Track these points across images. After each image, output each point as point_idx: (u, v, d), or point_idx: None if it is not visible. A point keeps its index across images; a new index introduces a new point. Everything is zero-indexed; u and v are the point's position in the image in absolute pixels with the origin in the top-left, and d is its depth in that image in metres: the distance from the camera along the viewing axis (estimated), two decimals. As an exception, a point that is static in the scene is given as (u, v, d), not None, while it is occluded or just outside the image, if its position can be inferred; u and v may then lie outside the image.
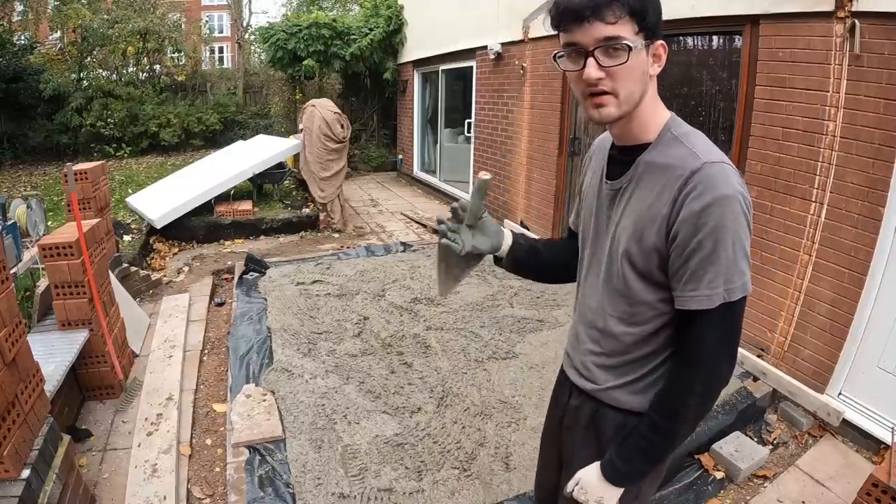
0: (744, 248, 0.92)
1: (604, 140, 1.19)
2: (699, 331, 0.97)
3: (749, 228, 0.93)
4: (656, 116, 1.02)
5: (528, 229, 5.59)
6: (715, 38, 3.51)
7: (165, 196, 6.22)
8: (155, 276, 4.68)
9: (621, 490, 1.10)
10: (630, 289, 1.04)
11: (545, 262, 1.30)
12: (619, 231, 1.05)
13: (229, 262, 5.16)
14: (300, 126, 6.96)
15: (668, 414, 1.02)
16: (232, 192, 6.65)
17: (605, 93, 0.94)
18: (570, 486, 1.16)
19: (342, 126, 6.37)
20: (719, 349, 0.97)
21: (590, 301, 1.15)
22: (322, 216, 6.45)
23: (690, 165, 0.93)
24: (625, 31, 0.90)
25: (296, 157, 7.20)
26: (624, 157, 1.06)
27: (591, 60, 0.92)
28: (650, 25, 0.92)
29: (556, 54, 0.98)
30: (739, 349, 3.12)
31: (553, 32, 0.98)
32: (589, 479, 1.12)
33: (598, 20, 0.90)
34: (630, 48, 0.90)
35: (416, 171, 9.31)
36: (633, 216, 1.01)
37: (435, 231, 1.25)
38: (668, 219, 0.94)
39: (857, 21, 2.42)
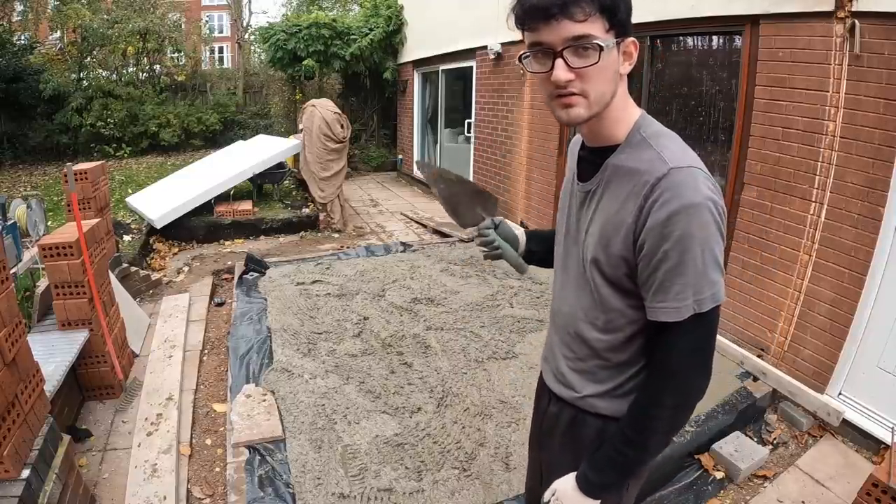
0: (714, 257, 0.88)
1: (576, 140, 1.16)
2: (670, 342, 0.94)
3: (721, 236, 0.89)
4: (626, 116, 0.97)
5: (528, 229, 5.59)
6: (715, 38, 3.51)
7: (165, 196, 6.22)
8: (155, 276, 4.68)
9: (597, 501, 1.07)
10: (601, 295, 1.01)
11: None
12: (587, 237, 1.02)
13: (229, 262, 5.16)
14: (300, 126, 6.96)
15: (640, 428, 0.99)
16: (232, 192, 6.65)
17: (574, 93, 0.89)
18: (546, 495, 1.14)
19: (342, 126, 6.37)
20: (691, 361, 0.94)
21: (562, 306, 1.13)
22: (322, 216, 6.45)
23: (656, 171, 0.88)
24: (595, 28, 0.85)
25: (296, 157, 7.21)
26: (594, 158, 1.03)
27: (559, 62, 0.86)
28: (621, 22, 0.87)
29: (521, 55, 0.93)
30: (739, 349, 3.15)
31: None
32: (565, 490, 1.09)
33: (566, 18, 0.84)
34: (601, 48, 0.85)
35: (416, 171, 9.31)
36: (600, 222, 0.98)
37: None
38: (634, 228, 0.91)
39: (857, 21, 2.42)
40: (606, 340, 1.04)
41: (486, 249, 1.29)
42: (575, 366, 1.12)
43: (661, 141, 0.93)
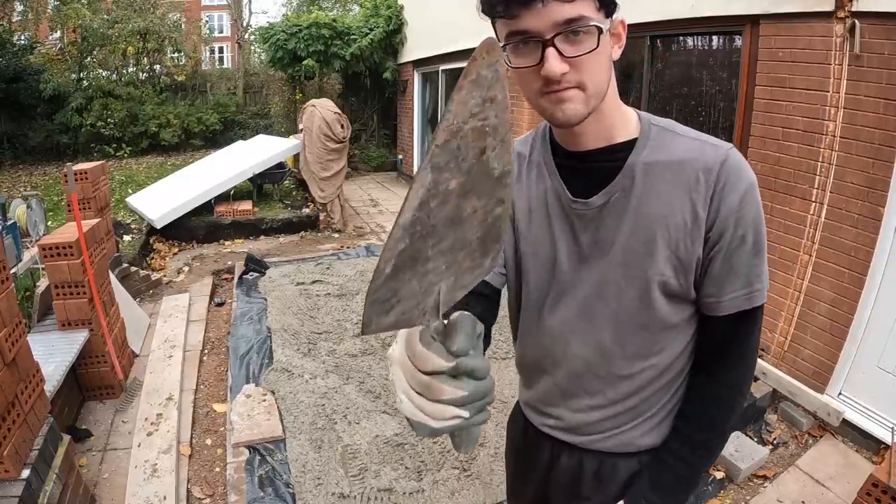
0: None
1: (525, 150, 0.94)
2: (744, 331, 0.85)
3: None
4: (624, 110, 0.85)
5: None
6: (715, 38, 3.51)
7: (165, 196, 6.22)
8: (155, 276, 4.68)
9: None
10: (657, 315, 0.85)
11: None
12: (626, 255, 0.84)
13: (229, 262, 5.16)
14: (300, 126, 6.97)
15: (716, 429, 0.89)
16: (232, 192, 6.65)
17: (570, 87, 0.75)
18: None
19: (342, 126, 6.38)
20: (757, 344, 0.88)
21: (572, 348, 0.91)
22: (322, 216, 6.45)
23: (716, 156, 0.79)
24: (586, 9, 0.71)
25: (296, 157, 7.21)
26: (590, 165, 0.85)
27: (550, 52, 0.71)
28: (610, 0, 0.75)
29: (503, 47, 0.76)
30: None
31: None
32: None
33: None
34: (600, 30, 0.72)
35: (417, 171, 9.32)
36: (653, 231, 0.82)
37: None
38: (707, 221, 0.80)
39: (857, 21, 2.42)
40: (657, 365, 0.89)
41: (463, 415, 0.55)
42: (609, 412, 0.93)
43: (681, 127, 0.85)
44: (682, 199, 0.80)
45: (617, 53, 0.79)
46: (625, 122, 0.84)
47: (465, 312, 0.56)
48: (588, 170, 0.85)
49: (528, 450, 1.07)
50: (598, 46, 0.72)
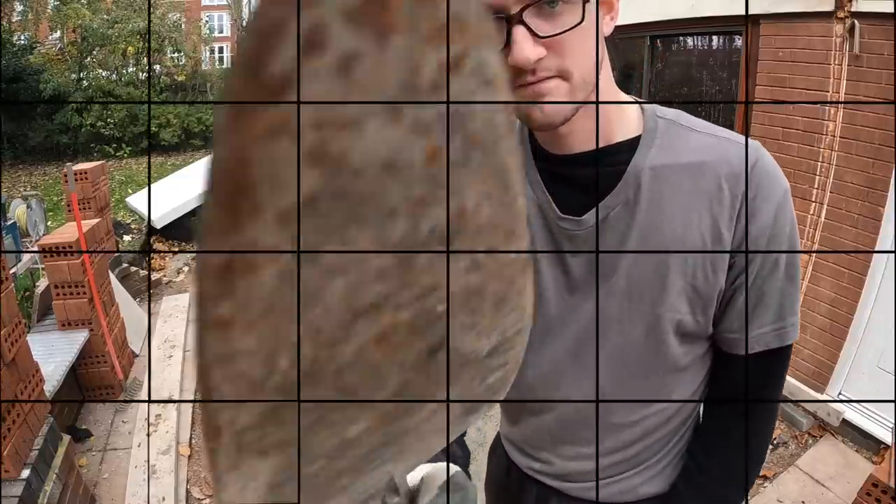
0: None
1: None
2: (772, 372, 0.72)
3: None
4: (621, 99, 0.67)
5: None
6: (715, 38, 3.52)
7: (165, 196, 6.23)
8: (155, 276, 4.68)
9: None
10: (668, 357, 0.69)
11: None
12: (630, 285, 0.66)
13: (229, 262, 5.17)
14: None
15: (736, 480, 0.76)
16: (232, 192, 6.66)
17: (549, 77, 0.55)
18: None
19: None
20: (784, 381, 0.75)
21: (563, 394, 0.76)
22: (322, 216, 6.46)
23: (740, 157, 0.62)
24: None
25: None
26: (581, 172, 0.66)
27: (519, 31, 0.51)
28: None
29: None
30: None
31: None
32: None
33: None
34: None
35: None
36: (665, 255, 0.65)
37: None
38: (733, 243, 0.62)
39: (856, 21, 2.42)
40: (664, 410, 0.75)
41: None
42: (608, 461, 0.79)
43: (693, 120, 0.68)
44: (702, 213, 0.62)
45: (609, 27, 0.60)
46: (624, 115, 0.66)
47: (457, 480, 0.37)
48: (579, 178, 0.66)
49: (511, 491, 0.91)
50: (583, 20, 0.53)
